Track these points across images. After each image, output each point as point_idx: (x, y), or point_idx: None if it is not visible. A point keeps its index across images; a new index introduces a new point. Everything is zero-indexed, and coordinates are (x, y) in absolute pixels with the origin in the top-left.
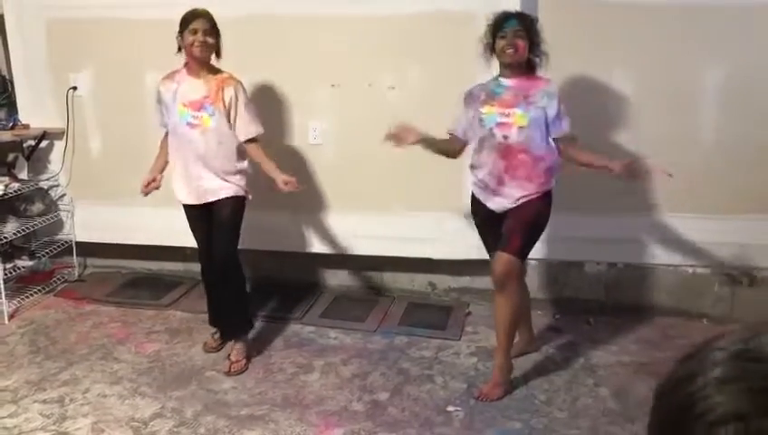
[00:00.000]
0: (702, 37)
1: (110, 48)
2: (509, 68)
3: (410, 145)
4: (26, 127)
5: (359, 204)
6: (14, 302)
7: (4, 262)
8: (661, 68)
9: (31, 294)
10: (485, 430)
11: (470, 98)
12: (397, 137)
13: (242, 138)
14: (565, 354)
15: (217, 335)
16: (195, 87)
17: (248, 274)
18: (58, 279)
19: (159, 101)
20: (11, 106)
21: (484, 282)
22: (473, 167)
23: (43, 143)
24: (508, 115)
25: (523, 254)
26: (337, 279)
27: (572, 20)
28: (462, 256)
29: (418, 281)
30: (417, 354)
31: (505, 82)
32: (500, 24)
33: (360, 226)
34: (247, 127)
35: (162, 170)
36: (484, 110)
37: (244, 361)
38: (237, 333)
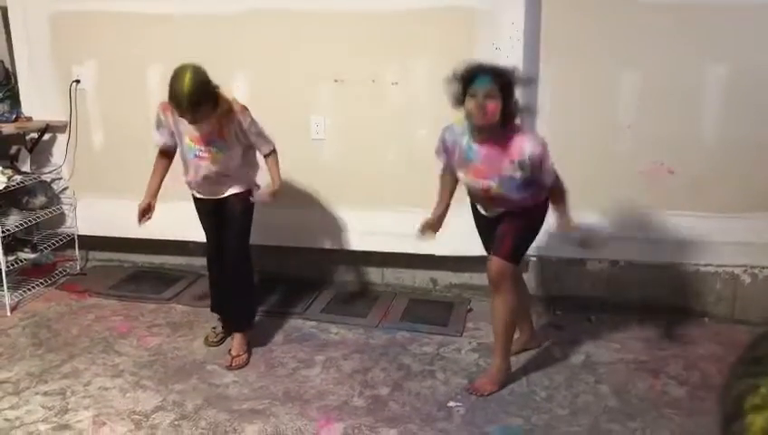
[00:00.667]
0: (706, 36)
1: (113, 41)
2: (479, 130)
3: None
4: (29, 120)
5: (361, 200)
6: (17, 294)
7: (6, 254)
8: (665, 66)
9: (33, 287)
10: (486, 425)
11: (445, 150)
12: (429, 230)
13: (264, 153)
14: (566, 351)
15: (218, 329)
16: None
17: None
18: (60, 272)
19: (159, 124)
20: (14, 99)
21: (486, 278)
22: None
23: (46, 136)
24: (484, 185)
25: (515, 257)
26: (339, 274)
27: (576, 19)
28: (464, 253)
29: (420, 277)
30: (419, 350)
31: (476, 147)
32: (469, 79)
33: (361, 221)
34: (263, 146)
35: (156, 194)
36: (461, 173)
37: (245, 355)
38: (241, 325)
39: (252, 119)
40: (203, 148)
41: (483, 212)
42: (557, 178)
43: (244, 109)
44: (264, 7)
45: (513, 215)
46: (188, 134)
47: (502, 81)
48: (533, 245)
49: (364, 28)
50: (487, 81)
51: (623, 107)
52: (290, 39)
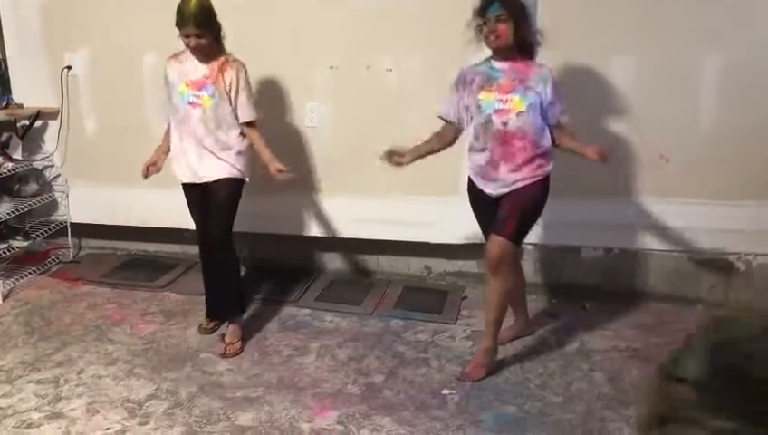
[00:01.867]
0: (702, 23)
1: (105, 27)
2: (497, 53)
3: (408, 164)
4: (20, 106)
5: (356, 187)
6: (9, 282)
7: None
8: (661, 54)
9: (25, 275)
10: (480, 413)
11: (462, 82)
12: (391, 158)
13: (240, 119)
14: (560, 339)
15: (212, 317)
16: (197, 67)
17: (245, 257)
18: (53, 260)
19: (166, 82)
20: (5, 85)
21: (480, 266)
22: (470, 150)
23: (38, 123)
24: (506, 101)
25: (517, 238)
26: (333, 262)
27: (572, 6)
28: (458, 241)
29: (414, 265)
30: (413, 338)
31: (498, 65)
32: (483, 9)
33: (356, 209)
34: (244, 110)
35: (166, 154)
36: (482, 96)
37: (239, 343)
38: (229, 314)
39: (248, 78)
40: (197, 93)
41: (485, 189)
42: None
43: (243, 65)
44: None
45: (515, 194)
46: (184, 79)
47: (511, 5)
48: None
49: (360, 15)
50: (497, 6)
51: (618, 93)
52: (284, 26)
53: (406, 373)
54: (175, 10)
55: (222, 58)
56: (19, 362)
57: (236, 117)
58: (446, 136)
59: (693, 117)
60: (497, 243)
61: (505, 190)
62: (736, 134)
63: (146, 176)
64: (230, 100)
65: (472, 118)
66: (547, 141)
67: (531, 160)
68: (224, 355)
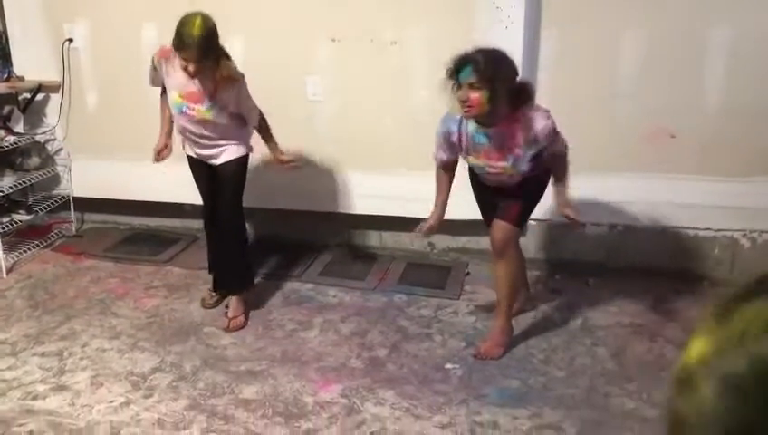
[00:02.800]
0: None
1: None
2: (477, 121)
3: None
4: (21, 79)
5: (359, 162)
6: (12, 256)
7: (0, 216)
8: (669, 30)
9: (28, 249)
10: (483, 387)
11: (448, 140)
12: (430, 233)
13: (252, 123)
14: (564, 315)
15: (214, 292)
16: (191, 79)
17: (249, 231)
18: (56, 234)
19: (155, 68)
20: (5, 58)
21: (483, 242)
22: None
23: (39, 96)
24: (496, 167)
25: (520, 222)
26: (336, 237)
27: None
28: (462, 217)
29: (418, 241)
30: (416, 313)
31: (483, 130)
32: (455, 72)
33: (359, 185)
34: (252, 119)
35: (170, 133)
36: (471, 159)
37: (242, 317)
38: (235, 286)
39: (247, 89)
40: (192, 105)
41: (484, 182)
42: (565, 148)
43: (239, 78)
44: None
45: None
46: (178, 90)
47: (485, 70)
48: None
49: None
50: (468, 72)
51: (625, 71)
52: None
53: (409, 348)
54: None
55: (218, 75)
56: (23, 335)
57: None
58: (451, 170)
59: (700, 93)
60: (501, 228)
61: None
62: (743, 110)
63: (158, 161)
64: (231, 110)
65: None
66: (547, 158)
67: (530, 173)
68: (227, 329)
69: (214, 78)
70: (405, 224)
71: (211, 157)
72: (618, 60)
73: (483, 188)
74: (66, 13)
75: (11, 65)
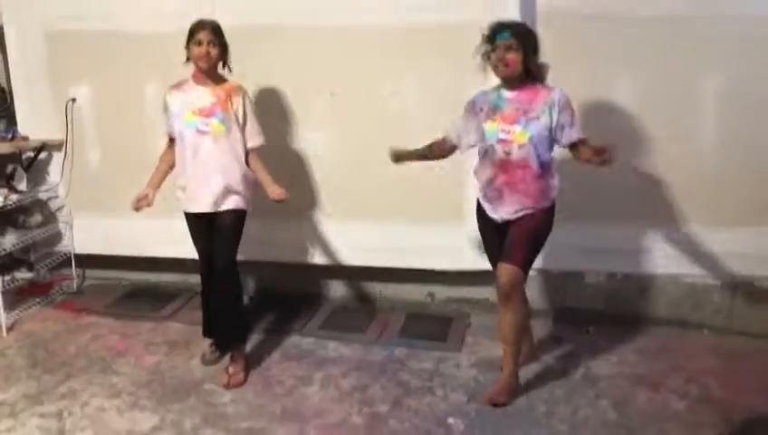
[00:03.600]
0: (703, 48)
1: (109, 60)
2: (505, 81)
3: (407, 162)
4: (25, 139)
5: (358, 214)
6: (13, 314)
7: (2, 274)
8: (662, 79)
9: (30, 307)
10: None
11: (473, 109)
12: (396, 155)
13: (248, 145)
14: (565, 365)
15: (214, 348)
16: (203, 95)
17: (248, 285)
18: (57, 291)
19: (165, 110)
20: (10, 118)
21: (484, 292)
22: (475, 173)
23: (42, 155)
24: (509, 132)
25: (526, 265)
26: (336, 290)
27: (572, 33)
28: (462, 267)
29: (418, 291)
30: (417, 366)
31: (506, 94)
32: (492, 36)
33: (359, 236)
34: (253, 136)
35: (157, 187)
36: (487, 125)
37: (242, 374)
38: (233, 343)
39: (252, 105)
40: (206, 120)
41: (491, 215)
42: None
43: (246, 91)
44: (259, 23)
45: (521, 221)
46: (190, 108)
47: (520, 34)
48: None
49: (361, 43)
50: (506, 35)
51: (620, 118)
52: (285, 53)
53: (410, 402)
54: (174, 43)
55: (227, 84)
56: (23, 395)
57: (244, 143)
58: (443, 147)
59: (695, 141)
60: (508, 270)
61: (510, 218)
62: (738, 158)
63: (137, 209)
64: (239, 125)
65: (478, 143)
66: (551, 171)
67: (534, 189)
68: (227, 386)
69: (220, 84)
70: (404, 275)
71: (214, 199)
72: (612, 110)
73: (489, 224)
74: (70, 74)
75: (15, 125)
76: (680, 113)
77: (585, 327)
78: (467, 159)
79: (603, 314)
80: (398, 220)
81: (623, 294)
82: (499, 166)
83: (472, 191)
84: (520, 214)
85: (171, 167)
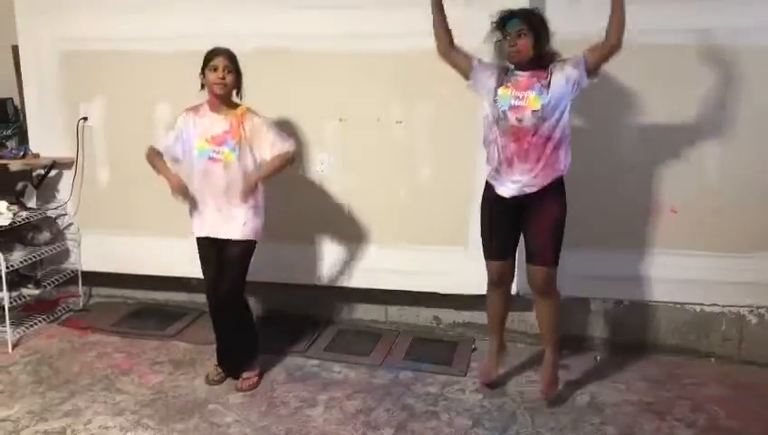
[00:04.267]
0: (709, 78)
1: (121, 80)
2: (518, 66)
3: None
4: (36, 156)
5: (364, 237)
6: (19, 330)
7: (9, 290)
8: (669, 108)
9: (35, 323)
10: None
11: (498, 70)
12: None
13: (267, 155)
14: (572, 392)
15: (219, 369)
16: (216, 122)
17: (253, 305)
18: (63, 308)
19: (173, 128)
20: (22, 135)
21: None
22: (484, 143)
23: (53, 172)
24: (522, 98)
25: (556, 260)
26: (342, 312)
27: None
28: (469, 291)
29: (424, 315)
30: (423, 390)
31: (520, 72)
32: (503, 23)
33: (365, 259)
34: (278, 144)
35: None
36: (500, 91)
37: (255, 378)
38: (242, 367)
39: (270, 125)
40: (217, 148)
41: (501, 192)
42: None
43: (259, 115)
44: (270, 46)
45: (536, 216)
46: (204, 135)
47: (531, 19)
48: None
49: (368, 69)
50: (517, 21)
51: (627, 147)
52: (294, 78)
53: (415, 427)
54: (186, 65)
55: (239, 111)
56: (27, 411)
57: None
58: (448, 34)
59: (701, 170)
60: (541, 272)
61: (519, 192)
62: (746, 186)
63: (182, 193)
64: (252, 151)
65: (487, 112)
66: (564, 145)
67: (546, 159)
68: (240, 389)
69: (233, 110)
70: (410, 298)
71: (225, 228)
72: (619, 138)
73: (497, 208)
74: (83, 93)
75: (27, 143)
76: (688, 140)
77: (592, 355)
78: (474, 187)
79: (610, 342)
80: (404, 244)
81: (630, 321)
82: (511, 134)
83: (477, 216)
84: (529, 189)
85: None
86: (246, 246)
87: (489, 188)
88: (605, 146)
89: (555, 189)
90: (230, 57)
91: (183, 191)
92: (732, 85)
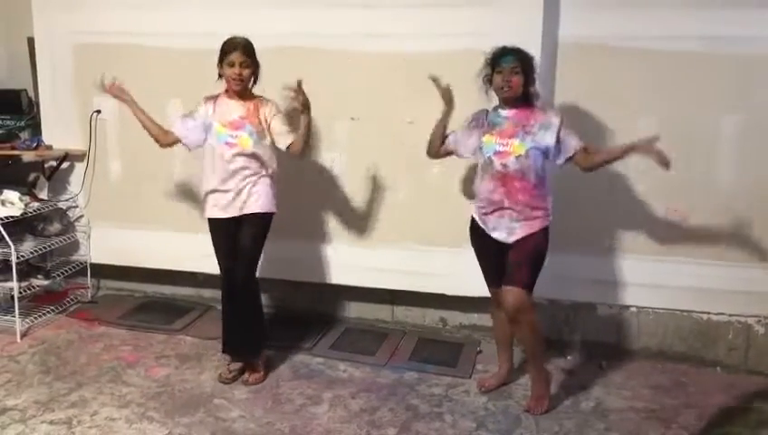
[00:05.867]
0: (721, 85)
1: (135, 74)
2: (506, 101)
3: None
4: (49, 148)
5: (373, 236)
6: (27, 320)
7: (19, 280)
8: (680, 115)
9: (44, 314)
10: None
11: (476, 121)
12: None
13: (282, 146)
14: (576, 397)
15: (233, 366)
16: (233, 108)
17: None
18: (71, 300)
19: (191, 113)
20: (35, 127)
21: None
22: (475, 189)
23: (65, 164)
24: (506, 145)
25: (530, 285)
26: (348, 311)
27: (592, 66)
28: (475, 293)
29: (430, 316)
30: (427, 391)
31: (504, 112)
32: (497, 59)
33: (374, 258)
34: (284, 136)
35: (141, 111)
36: (485, 139)
37: (262, 372)
38: (256, 352)
39: (281, 111)
40: (233, 133)
41: (491, 233)
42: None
43: (275, 103)
44: (283, 45)
45: (519, 244)
46: (221, 121)
47: (523, 59)
48: (544, 288)
49: (381, 69)
50: (511, 59)
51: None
52: (307, 76)
53: (419, 427)
54: (199, 60)
55: (256, 99)
56: (33, 401)
57: (276, 146)
58: (439, 147)
59: (711, 177)
60: (513, 293)
61: (507, 236)
62: (755, 195)
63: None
64: (268, 133)
65: (472, 155)
66: (546, 188)
67: (532, 203)
68: (246, 382)
69: (250, 98)
70: (417, 299)
71: (241, 204)
72: (630, 140)
73: (485, 244)
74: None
75: (40, 134)
76: (698, 148)
77: (598, 361)
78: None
79: (616, 348)
80: (412, 244)
81: (636, 327)
82: (498, 178)
83: (473, 207)
84: (517, 234)
85: (159, 132)
86: (262, 224)
87: (476, 226)
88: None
89: (542, 228)
90: (246, 51)
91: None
92: (744, 92)
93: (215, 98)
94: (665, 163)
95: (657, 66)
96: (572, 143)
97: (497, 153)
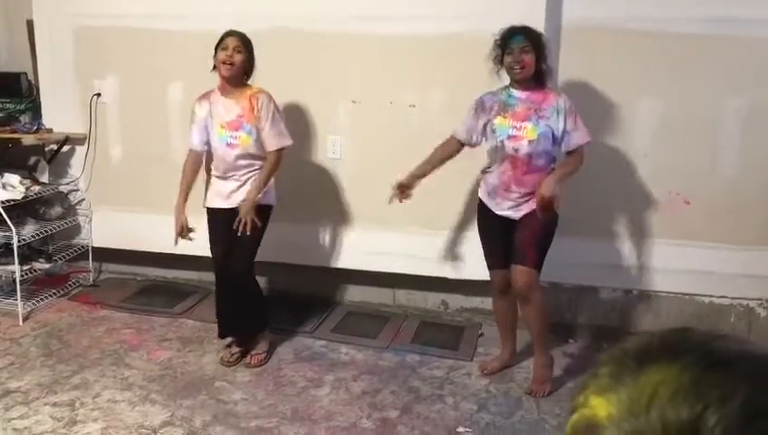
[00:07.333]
0: (726, 68)
1: (135, 57)
2: (518, 82)
3: (414, 189)
4: (49, 131)
5: (375, 220)
6: (29, 304)
7: (21, 264)
8: (685, 97)
9: (46, 297)
10: None
11: (481, 107)
12: (400, 193)
13: (269, 148)
14: (578, 380)
15: (235, 350)
16: (229, 107)
17: (262, 285)
18: (73, 283)
19: (194, 121)
20: (35, 110)
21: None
22: (483, 172)
23: (65, 148)
24: (519, 129)
25: (539, 265)
26: (350, 294)
27: (597, 48)
28: (477, 277)
29: (432, 299)
30: (429, 374)
31: (516, 93)
32: (506, 39)
33: (374, 241)
34: (269, 139)
35: (184, 207)
36: (497, 121)
37: (264, 354)
38: (258, 329)
39: (275, 108)
40: (234, 133)
41: (497, 211)
42: (582, 153)
43: (270, 95)
44: (285, 27)
45: (526, 223)
46: (219, 121)
47: (533, 37)
48: (546, 272)
49: (383, 51)
50: (521, 38)
51: (641, 136)
52: (309, 59)
53: (420, 409)
54: (200, 43)
55: (249, 92)
56: (36, 383)
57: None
58: (450, 148)
59: (715, 161)
60: (523, 273)
61: (513, 213)
62: (758, 179)
63: (182, 238)
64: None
65: (487, 140)
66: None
67: (540, 183)
68: (249, 365)
69: (244, 92)
70: (418, 282)
71: (241, 196)
72: (633, 127)
73: (491, 223)
74: (96, 69)
75: (40, 117)
76: (702, 131)
77: (599, 344)
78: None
79: (618, 331)
80: (413, 228)
81: (638, 311)
82: (507, 162)
83: (480, 188)
84: (523, 210)
85: (195, 174)
86: (261, 216)
87: (483, 206)
88: (618, 133)
89: None
90: (242, 39)
91: (182, 233)
92: (749, 74)
93: (207, 95)
94: (541, 210)
95: (661, 48)
96: (569, 141)
97: (510, 137)
